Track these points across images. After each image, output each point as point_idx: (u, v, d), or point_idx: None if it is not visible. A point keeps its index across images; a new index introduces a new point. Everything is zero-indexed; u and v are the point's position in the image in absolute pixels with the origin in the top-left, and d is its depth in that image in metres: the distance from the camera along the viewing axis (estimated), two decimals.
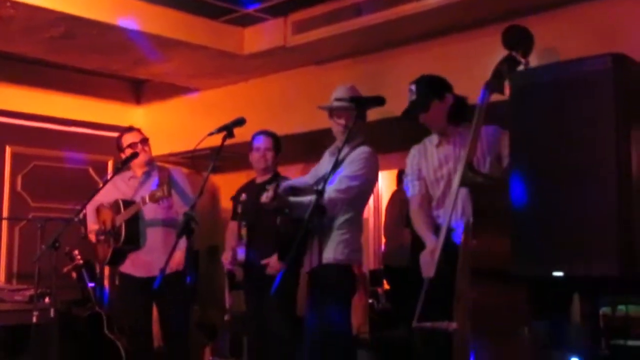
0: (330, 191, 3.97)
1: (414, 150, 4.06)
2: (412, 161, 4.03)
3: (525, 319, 3.21)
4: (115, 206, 4.99)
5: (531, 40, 3.53)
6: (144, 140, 5.12)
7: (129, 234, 4.92)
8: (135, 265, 5.03)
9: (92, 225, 5.12)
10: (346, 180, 4.08)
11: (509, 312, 3.25)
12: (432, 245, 3.65)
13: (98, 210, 5.12)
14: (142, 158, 5.07)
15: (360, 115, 4.05)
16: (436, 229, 3.74)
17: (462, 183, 3.43)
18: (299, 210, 3.99)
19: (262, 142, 5.06)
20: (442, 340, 3.35)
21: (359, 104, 3.98)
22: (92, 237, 5.12)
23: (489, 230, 3.31)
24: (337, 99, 4.27)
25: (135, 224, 4.96)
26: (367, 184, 4.20)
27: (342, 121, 4.26)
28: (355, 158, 4.18)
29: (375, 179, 4.41)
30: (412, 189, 4.00)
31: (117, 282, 5.23)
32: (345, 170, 4.13)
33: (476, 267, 3.26)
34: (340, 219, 4.18)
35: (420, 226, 3.87)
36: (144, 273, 4.94)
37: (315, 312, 4.12)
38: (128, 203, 4.94)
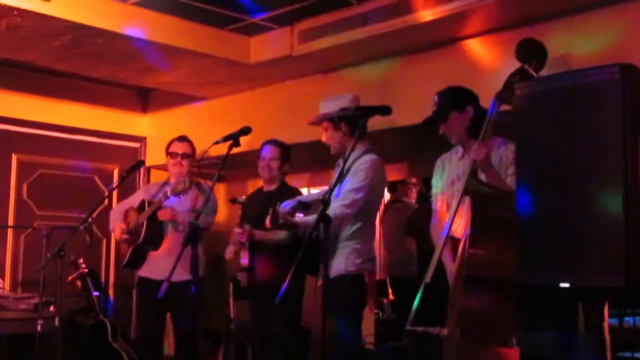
0: (335, 207, 3.95)
1: (439, 161, 4.05)
2: (435, 173, 4.03)
3: (515, 330, 3.22)
4: (141, 207, 5.09)
5: (544, 54, 3.53)
6: (186, 155, 5.19)
7: (149, 232, 4.98)
8: (153, 268, 5.03)
9: (119, 224, 5.17)
10: (350, 195, 4.05)
11: (500, 322, 3.27)
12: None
13: (126, 214, 5.19)
14: (173, 169, 5.18)
15: (363, 125, 4.02)
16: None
17: (466, 191, 3.43)
18: (306, 229, 3.96)
19: (266, 152, 5.06)
20: (434, 345, 3.35)
21: (365, 112, 3.96)
22: (117, 236, 5.17)
23: (486, 239, 3.33)
24: (342, 109, 4.26)
25: (156, 222, 5.02)
26: (371, 193, 4.16)
27: (341, 132, 4.27)
28: (358, 168, 4.15)
29: (382, 186, 4.40)
30: (434, 203, 4.00)
31: (136, 289, 5.29)
32: (349, 183, 4.10)
33: (471, 275, 3.28)
34: (350, 229, 4.16)
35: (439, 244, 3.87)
36: (162, 276, 4.93)
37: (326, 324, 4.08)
38: (152, 203, 5.02)
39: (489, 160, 3.52)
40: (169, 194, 4.78)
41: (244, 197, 4.90)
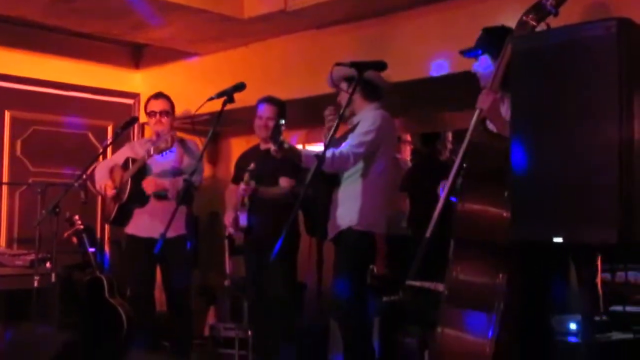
0: (344, 147, 4.11)
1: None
2: None
3: (503, 295, 3.08)
4: (125, 165, 5.11)
5: None
6: (164, 112, 5.15)
7: (134, 190, 4.98)
8: (139, 225, 5.05)
9: (108, 183, 5.17)
10: (359, 137, 4.20)
11: (487, 288, 3.12)
12: None
13: (111, 171, 5.19)
14: (155, 128, 5.15)
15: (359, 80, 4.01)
16: None
17: (470, 137, 3.25)
18: (309, 159, 4.07)
19: (264, 111, 5.02)
20: (430, 300, 3.35)
21: (360, 68, 3.94)
22: (109, 193, 5.17)
23: (479, 195, 3.20)
24: (337, 64, 4.25)
25: (141, 180, 5.00)
26: (380, 138, 4.25)
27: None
28: (365, 117, 4.30)
29: (390, 136, 4.49)
30: None
31: (123, 245, 5.29)
32: (357, 130, 4.25)
33: (460, 237, 3.19)
34: (359, 183, 4.24)
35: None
36: (148, 233, 4.94)
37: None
38: (136, 160, 5.02)
39: (495, 109, 3.28)
40: (152, 152, 4.78)
41: (252, 164, 4.87)
